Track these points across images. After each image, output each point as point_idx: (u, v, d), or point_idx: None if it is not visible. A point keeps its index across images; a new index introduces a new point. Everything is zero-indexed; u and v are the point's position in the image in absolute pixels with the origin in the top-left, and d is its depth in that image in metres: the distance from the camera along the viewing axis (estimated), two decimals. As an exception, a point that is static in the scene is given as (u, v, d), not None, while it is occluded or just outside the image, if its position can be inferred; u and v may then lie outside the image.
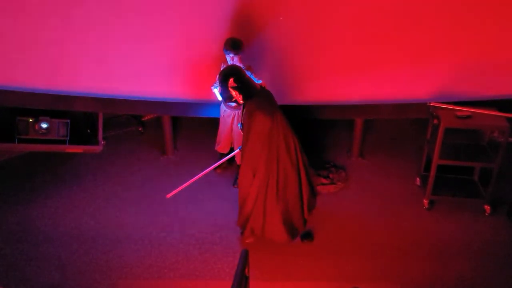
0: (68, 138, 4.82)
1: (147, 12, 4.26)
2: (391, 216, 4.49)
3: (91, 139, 5.06)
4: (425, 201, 4.57)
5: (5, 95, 4.56)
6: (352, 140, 5.28)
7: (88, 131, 5.11)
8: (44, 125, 4.72)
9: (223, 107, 4.58)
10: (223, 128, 4.71)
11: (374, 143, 5.52)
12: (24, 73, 4.47)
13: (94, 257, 3.99)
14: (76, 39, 4.32)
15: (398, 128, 5.77)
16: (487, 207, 4.48)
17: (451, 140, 4.50)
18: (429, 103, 4.46)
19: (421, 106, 4.55)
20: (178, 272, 3.85)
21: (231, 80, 3.56)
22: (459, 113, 4.30)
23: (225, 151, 4.80)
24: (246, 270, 2.73)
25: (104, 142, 5.16)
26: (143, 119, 5.96)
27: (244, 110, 3.76)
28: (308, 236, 4.21)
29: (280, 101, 3.87)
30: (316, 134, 5.68)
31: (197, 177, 4.22)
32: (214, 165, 4.36)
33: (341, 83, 4.58)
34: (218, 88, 4.17)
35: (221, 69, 4.15)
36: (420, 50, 4.41)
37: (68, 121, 4.81)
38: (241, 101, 3.67)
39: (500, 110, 4.33)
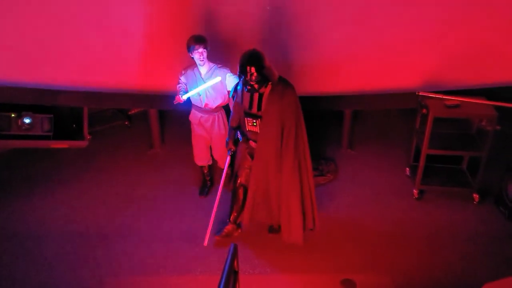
0: (52, 134, 4.72)
1: (131, 2, 4.17)
2: (381, 207, 4.48)
3: (76, 134, 4.97)
4: (415, 191, 4.58)
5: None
6: (341, 131, 5.27)
7: (74, 126, 5.02)
8: (27, 120, 4.61)
9: (196, 113, 4.23)
10: (198, 140, 4.35)
11: (363, 134, 5.51)
12: (4, 67, 4.35)
13: (82, 254, 3.93)
14: (59, 32, 4.22)
15: (387, 118, 5.77)
16: (475, 196, 4.49)
17: (440, 130, 4.50)
18: (418, 92, 4.44)
19: (410, 96, 4.54)
20: (167, 268, 3.80)
21: (253, 68, 3.35)
22: (447, 102, 4.29)
23: (209, 162, 4.56)
24: (235, 264, 2.70)
25: (90, 137, 5.09)
26: (129, 113, 5.87)
27: (269, 94, 3.50)
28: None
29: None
30: (305, 125, 5.64)
31: (215, 207, 3.96)
32: (221, 183, 4.02)
33: (329, 74, 4.54)
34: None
35: (182, 75, 4.10)
36: (408, 39, 4.38)
37: (52, 116, 4.71)
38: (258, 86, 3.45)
39: (489, 99, 4.34)
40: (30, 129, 4.64)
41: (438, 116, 4.23)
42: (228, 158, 4.01)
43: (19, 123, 4.60)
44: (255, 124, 3.63)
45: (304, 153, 3.71)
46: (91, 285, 3.64)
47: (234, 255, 2.63)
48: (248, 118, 3.65)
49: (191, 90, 4.03)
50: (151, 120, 5.22)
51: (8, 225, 4.22)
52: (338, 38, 4.37)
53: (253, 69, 3.36)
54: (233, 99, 3.80)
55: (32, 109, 4.65)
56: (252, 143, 3.74)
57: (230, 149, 3.94)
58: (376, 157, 5.18)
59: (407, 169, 4.88)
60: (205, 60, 3.93)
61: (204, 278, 3.67)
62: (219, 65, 4.02)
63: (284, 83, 3.54)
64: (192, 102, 4.17)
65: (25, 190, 4.64)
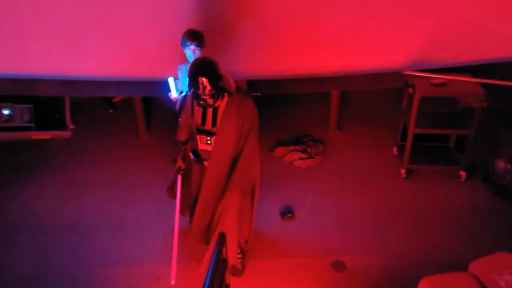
0: (33, 124, 4.61)
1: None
2: (370, 187, 4.49)
3: (59, 124, 4.86)
4: (402, 171, 4.59)
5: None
6: (328, 112, 5.23)
7: (56, 116, 4.90)
8: (5, 112, 4.49)
9: None
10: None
11: (350, 115, 5.49)
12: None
13: (71, 246, 3.88)
14: (36, 18, 4.06)
15: (374, 98, 5.74)
16: (462, 173, 4.52)
17: (426, 108, 4.49)
18: (404, 71, 4.41)
19: (396, 76, 4.50)
20: (157, 257, 3.77)
21: (206, 79, 2.87)
22: (434, 81, 4.27)
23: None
24: (224, 252, 2.67)
25: (74, 126, 4.97)
26: (113, 100, 5.75)
27: (225, 108, 3.07)
28: (288, 212, 4.18)
29: (251, 76, 3.73)
30: (293, 108, 5.62)
31: (175, 242, 3.36)
32: (177, 212, 3.42)
33: (314, 55, 4.45)
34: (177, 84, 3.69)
35: (180, 69, 3.71)
36: (393, 16, 4.30)
37: (32, 106, 4.59)
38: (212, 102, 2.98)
39: (474, 76, 4.33)
40: (9, 121, 4.53)
41: (425, 95, 4.21)
42: (179, 179, 3.41)
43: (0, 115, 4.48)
44: (209, 142, 3.16)
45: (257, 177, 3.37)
46: (80, 277, 3.60)
47: (222, 243, 2.60)
48: (201, 135, 3.18)
49: (183, 86, 3.77)
50: (136, 108, 5.12)
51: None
52: (321, 16, 4.28)
53: (206, 81, 2.87)
54: (180, 111, 3.34)
55: (11, 100, 4.52)
56: (206, 164, 3.26)
57: (179, 167, 3.37)
58: (363, 138, 5.17)
59: (395, 148, 4.88)
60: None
61: (194, 266, 3.64)
62: None
63: (241, 93, 3.13)
64: None
65: (8, 185, 4.54)
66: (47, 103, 4.88)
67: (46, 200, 4.37)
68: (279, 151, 4.99)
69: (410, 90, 4.32)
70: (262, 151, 4.95)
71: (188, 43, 3.46)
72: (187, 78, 2.95)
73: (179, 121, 3.35)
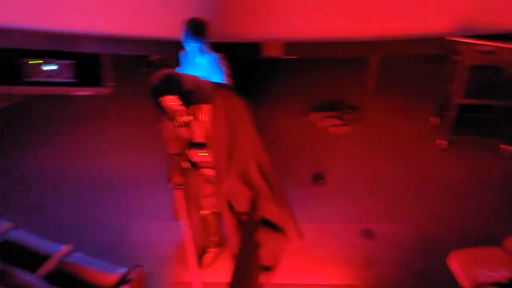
0: (75, 80, 4.73)
1: None
2: (405, 157, 4.40)
3: (100, 81, 4.96)
4: (442, 141, 4.45)
5: (8, 35, 4.41)
6: (365, 78, 5.08)
7: (97, 72, 5.00)
8: (50, 67, 4.61)
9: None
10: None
11: (388, 82, 5.30)
12: (21, 11, 4.28)
13: (108, 199, 4.02)
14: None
15: (414, 65, 5.49)
16: (505, 147, 4.33)
17: (472, 77, 4.27)
18: (449, 37, 4.18)
19: (439, 42, 4.27)
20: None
21: (174, 97, 2.44)
22: (481, 48, 4.03)
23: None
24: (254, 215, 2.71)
25: (113, 84, 5.07)
26: (150, 58, 5.80)
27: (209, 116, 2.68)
28: (319, 177, 4.17)
29: (289, 38, 3.62)
30: (328, 73, 5.48)
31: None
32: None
33: (354, 17, 4.28)
34: None
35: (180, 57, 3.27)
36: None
37: (75, 62, 4.69)
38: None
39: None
40: (53, 76, 4.66)
41: (473, 63, 3.99)
42: (180, 196, 3.01)
43: (42, 70, 4.62)
44: (203, 153, 2.83)
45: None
46: (114, 229, 3.74)
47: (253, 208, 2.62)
48: (193, 151, 2.86)
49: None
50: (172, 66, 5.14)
51: (33, 171, 4.32)
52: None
53: (172, 99, 2.43)
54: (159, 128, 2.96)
55: (55, 56, 4.64)
56: (206, 171, 2.93)
57: (178, 184, 2.97)
58: (401, 106, 5.02)
59: (434, 118, 4.72)
60: (201, 53, 3.10)
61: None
62: (220, 58, 3.17)
63: (223, 91, 2.74)
64: None
65: (48, 138, 4.69)
66: (89, 60, 4.97)
67: (83, 156, 4.51)
68: (313, 116, 4.93)
69: (456, 57, 4.11)
70: (295, 116, 4.96)
71: (192, 41, 2.95)
72: (151, 96, 2.48)
73: (163, 134, 2.94)
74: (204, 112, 2.64)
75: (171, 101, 2.42)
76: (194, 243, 2.98)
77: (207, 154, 2.80)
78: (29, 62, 4.57)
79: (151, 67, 5.68)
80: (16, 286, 2.27)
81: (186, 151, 2.86)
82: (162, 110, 2.48)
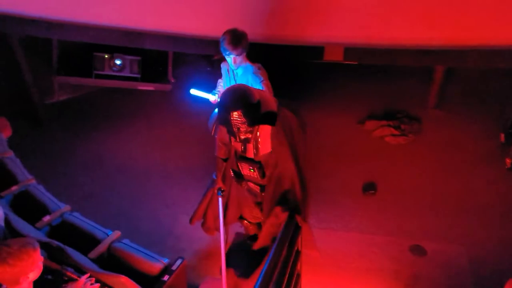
0: (140, 76, 4.97)
1: None
2: (465, 174, 4.18)
3: (162, 77, 5.17)
4: (508, 160, 4.16)
5: (84, 31, 4.71)
6: (428, 89, 4.87)
7: (160, 69, 5.21)
8: (118, 62, 4.88)
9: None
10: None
11: (454, 95, 5.05)
12: (91, 7, 4.54)
13: (160, 190, 4.19)
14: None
15: (483, 78, 5.17)
16: None
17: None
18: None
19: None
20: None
21: (238, 113, 2.46)
22: (560, 64, 3.74)
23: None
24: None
25: (174, 80, 5.25)
26: (213, 58, 5.93)
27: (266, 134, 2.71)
28: (371, 187, 4.07)
29: (349, 43, 3.54)
30: (389, 81, 5.31)
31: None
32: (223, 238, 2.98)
33: (419, 23, 4.08)
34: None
35: (219, 86, 3.28)
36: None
37: (140, 58, 4.93)
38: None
39: None
40: (120, 70, 4.92)
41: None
42: (221, 202, 2.98)
43: (111, 64, 4.90)
44: (252, 170, 2.84)
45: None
46: (162, 221, 3.88)
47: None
48: (241, 163, 2.88)
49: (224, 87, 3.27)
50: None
51: (95, 158, 4.59)
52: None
53: (239, 114, 2.46)
54: (215, 131, 2.97)
55: (122, 51, 4.90)
56: (251, 184, 2.96)
57: (220, 189, 2.97)
58: (465, 120, 4.78)
59: (502, 134, 4.42)
60: (239, 64, 3.03)
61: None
62: (257, 68, 3.03)
63: (283, 112, 2.72)
64: None
65: (111, 128, 4.99)
66: (153, 56, 5.19)
67: (142, 147, 4.74)
68: (370, 124, 4.81)
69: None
70: (351, 123, 4.86)
71: (228, 52, 2.91)
72: (218, 109, 2.57)
73: (216, 138, 3.00)
74: (264, 133, 2.69)
75: (238, 117, 2.48)
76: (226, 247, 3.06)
77: (254, 171, 2.84)
78: (104, 56, 4.84)
79: (213, 67, 5.82)
80: (68, 265, 2.42)
81: (236, 162, 2.91)
82: (227, 125, 2.53)
